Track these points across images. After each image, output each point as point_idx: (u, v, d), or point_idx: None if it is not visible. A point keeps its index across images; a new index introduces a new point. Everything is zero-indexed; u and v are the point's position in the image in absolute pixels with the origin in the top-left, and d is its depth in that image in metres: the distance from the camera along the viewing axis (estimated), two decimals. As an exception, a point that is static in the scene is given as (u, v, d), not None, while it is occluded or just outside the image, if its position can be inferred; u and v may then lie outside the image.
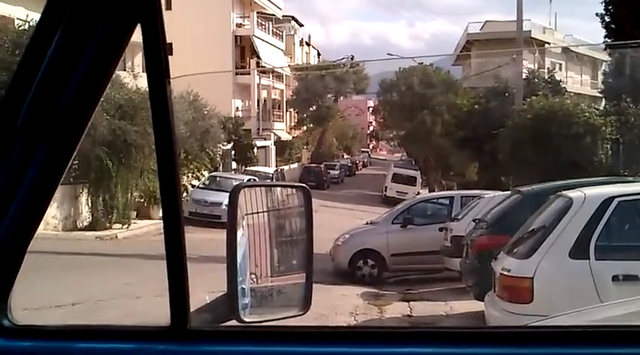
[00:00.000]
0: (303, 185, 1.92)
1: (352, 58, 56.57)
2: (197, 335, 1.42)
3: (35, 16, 18.71)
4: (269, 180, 31.08)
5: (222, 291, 1.65)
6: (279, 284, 1.86)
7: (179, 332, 1.39)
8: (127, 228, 21.86)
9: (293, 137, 54.40)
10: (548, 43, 45.07)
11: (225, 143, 33.81)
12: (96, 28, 1.35)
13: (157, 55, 1.37)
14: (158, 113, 1.37)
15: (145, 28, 1.35)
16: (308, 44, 65.24)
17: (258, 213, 1.81)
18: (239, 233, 1.68)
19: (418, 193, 33.91)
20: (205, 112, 29.35)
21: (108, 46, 1.37)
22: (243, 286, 1.69)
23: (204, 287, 1.86)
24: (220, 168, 33.08)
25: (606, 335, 1.45)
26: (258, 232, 1.82)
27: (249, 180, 25.98)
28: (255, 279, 1.80)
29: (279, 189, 2.07)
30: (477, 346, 1.40)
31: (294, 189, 1.98)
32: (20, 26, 19.68)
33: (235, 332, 1.54)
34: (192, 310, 1.44)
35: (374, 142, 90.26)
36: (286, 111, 56.04)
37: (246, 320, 1.62)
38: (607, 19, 18.94)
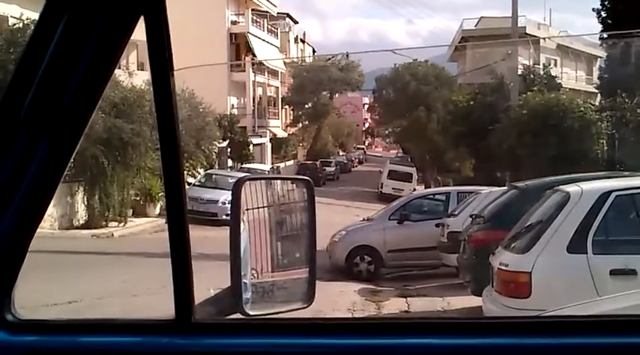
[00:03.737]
0: (306, 178, 1.91)
1: (347, 56, 56.46)
2: (202, 327, 1.41)
3: (30, 15, 18.68)
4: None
5: (221, 288, 1.65)
6: (281, 279, 1.86)
7: (184, 325, 1.39)
8: (124, 226, 21.83)
9: (289, 134, 54.36)
10: (544, 39, 45.06)
11: (220, 141, 33.75)
12: (99, 21, 1.35)
13: (161, 48, 1.36)
14: (162, 105, 1.37)
15: (149, 20, 1.35)
16: (303, 41, 65.18)
17: (259, 207, 1.81)
18: (241, 227, 1.67)
19: (414, 190, 33.92)
20: (201, 110, 29.31)
21: (111, 38, 1.37)
22: (245, 281, 1.68)
23: (203, 285, 1.85)
24: (216, 165, 33.02)
25: (605, 325, 1.45)
26: (259, 227, 1.82)
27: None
28: (255, 275, 1.79)
29: (280, 182, 2.05)
30: (477, 337, 1.40)
31: (296, 182, 1.97)
32: (15, 25, 19.60)
33: (240, 324, 1.54)
34: (196, 303, 1.44)
35: (369, 139, 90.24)
36: (282, 108, 55.99)
37: (250, 313, 1.62)
38: (603, 14, 18.95)
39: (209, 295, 1.69)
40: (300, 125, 57.97)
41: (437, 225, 14.86)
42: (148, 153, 21.51)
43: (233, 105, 44.32)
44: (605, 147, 21.85)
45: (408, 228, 15.72)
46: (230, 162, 38.05)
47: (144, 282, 11.26)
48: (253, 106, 46.70)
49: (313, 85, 54.18)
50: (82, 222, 21.35)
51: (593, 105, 24.53)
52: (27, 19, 18.88)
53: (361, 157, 73.78)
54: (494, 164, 25.90)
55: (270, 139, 48.29)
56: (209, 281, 2.06)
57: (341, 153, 66.38)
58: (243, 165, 36.86)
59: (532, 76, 31.90)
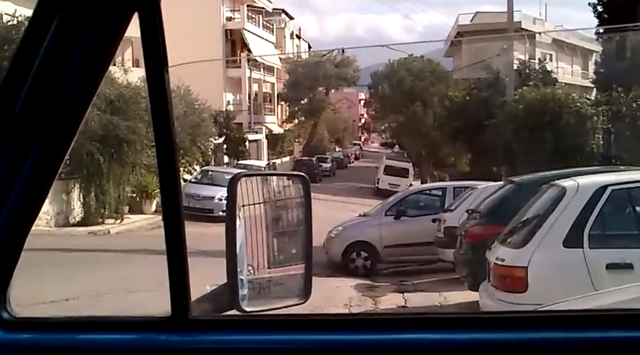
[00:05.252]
0: (302, 174, 1.90)
1: (343, 51, 56.34)
2: (198, 324, 1.41)
3: (24, 12, 18.63)
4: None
5: (217, 285, 1.64)
6: (277, 276, 1.85)
7: (180, 322, 1.39)
8: (120, 222, 21.85)
9: (285, 130, 54.29)
10: (539, 34, 45.04)
11: (216, 137, 33.76)
12: (93, 17, 1.34)
13: (155, 44, 1.36)
14: (157, 102, 1.37)
15: (143, 16, 1.35)
16: (299, 37, 65.09)
17: (255, 204, 1.80)
18: (237, 223, 1.67)
19: (410, 185, 33.92)
20: (197, 106, 29.32)
21: (105, 35, 1.36)
22: (241, 277, 1.68)
23: (199, 282, 1.85)
24: (212, 162, 33.04)
25: (601, 319, 1.46)
26: (255, 223, 1.81)
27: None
28: (252, 271, 1.79)
29: (277, 178, 2.05)
30: (474, 332, 1.40)
31: (292, 179, 1.97)
32: (8, 22, 19.55)
33: (236, 321, 1.54)
34: (192, 300, 1.44)
35: (365, 134, 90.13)
36: (277, 104, 55.93)
37: (247, 309, 1.61)
38: (599, 8, 18.97)
39: (205, 292, 1.69)
40: (296, 121, 57.85)
41: (433, 221, 14.87)
42: (143, 150, 21.51)
43: (229, 101, 44.28)
44: (601, 142, 21.87)
45: (404, 224, 15.74)
46: (226, 159, 38.07)
47: (140, 279, 11.26)
48: (249, 102, 46.65)
49: (309, 81, 54.06)
50: (78, 219, 21.36)
51: (588, 99, 24.53)
52: (20, 16, 18.83)
53: (357, 153, 73.74)
54: (490, 159, 25.90)
55: (266, 135, 48.26)
56: (205, 278, 2.06)
57: (337, 149, 66.35)
58: (239, 162, 36.86)
59: (528, 70, 31.85)
